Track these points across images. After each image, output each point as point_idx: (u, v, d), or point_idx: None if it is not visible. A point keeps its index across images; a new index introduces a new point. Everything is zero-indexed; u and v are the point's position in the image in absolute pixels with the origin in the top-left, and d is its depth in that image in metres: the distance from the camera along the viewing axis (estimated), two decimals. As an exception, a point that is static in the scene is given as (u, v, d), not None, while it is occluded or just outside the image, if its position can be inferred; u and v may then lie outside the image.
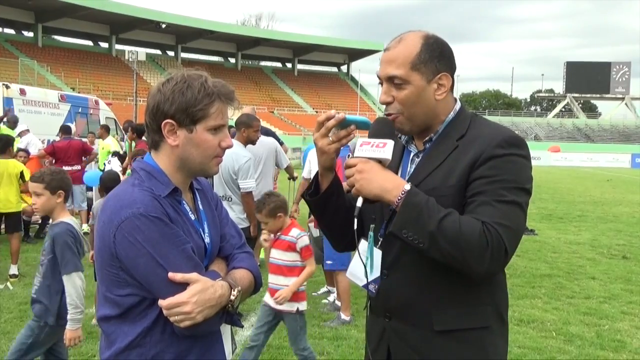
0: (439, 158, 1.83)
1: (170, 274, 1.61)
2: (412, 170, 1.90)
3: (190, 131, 1.71)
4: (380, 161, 1.74)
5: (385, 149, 1.73)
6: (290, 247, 4.11)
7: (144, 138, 10.92)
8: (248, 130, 5.63)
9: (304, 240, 4.13)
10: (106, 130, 11.39)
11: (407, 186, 1.69)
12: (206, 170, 1.81)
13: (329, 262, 5.60)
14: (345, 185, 1.76)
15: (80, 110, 15.44)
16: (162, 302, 1.61)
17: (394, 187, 1.69)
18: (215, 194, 2.00)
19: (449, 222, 1.65)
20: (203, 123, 1.71)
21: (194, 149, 1.73)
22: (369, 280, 1.87)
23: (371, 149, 1.74)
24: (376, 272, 1.90)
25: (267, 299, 4.20)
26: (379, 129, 1.78)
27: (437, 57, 1.82)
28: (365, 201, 1.74)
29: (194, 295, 1.61)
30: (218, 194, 2.06)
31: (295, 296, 4.08)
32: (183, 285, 1.62)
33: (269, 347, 4.93)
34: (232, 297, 1.71)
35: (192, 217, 1.80)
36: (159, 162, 1.77)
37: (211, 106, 1.71)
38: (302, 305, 4.16)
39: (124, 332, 1.69)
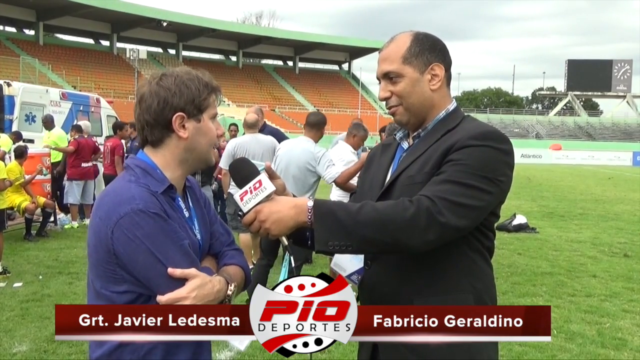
0: (421, 150, 1.87)
1: (170, 270, 1.62)
2: (398, 163, 1.94)
3: (199, 121, 1.77)
4: (268, 197, 1.71)
5: (263, 185, 1.71)
6: None
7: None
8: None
9: None
10: None
11: (310, 202, 1.69)
12: (208, 159, 1.84)
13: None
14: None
15: (81, 109, 15.43)
16: (161, 298, 1.61)
17: (300, 210, 1.68)
18: (203, 192, 1.99)
19: (365, 212, 1.66)
20: (207, 112, 1.79)
21: (202, 138, 1.78)
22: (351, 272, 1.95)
23: (253, 195, 1.71)
24: (360, 263, 1.96)
25: None
26: (243, 172, 1.75)
27: (427, 49, 1.89)
28: (289, 238, 1.75)
29: (193, 290, 1.61)
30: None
31: None
32: (182, 281, 1.62)
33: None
34: (229, 292, 1.72)
35: (186, 214, 1.82)
36: (156, 159, 1.77)
37: (210, 96, 1.80)
38: None
39: None
